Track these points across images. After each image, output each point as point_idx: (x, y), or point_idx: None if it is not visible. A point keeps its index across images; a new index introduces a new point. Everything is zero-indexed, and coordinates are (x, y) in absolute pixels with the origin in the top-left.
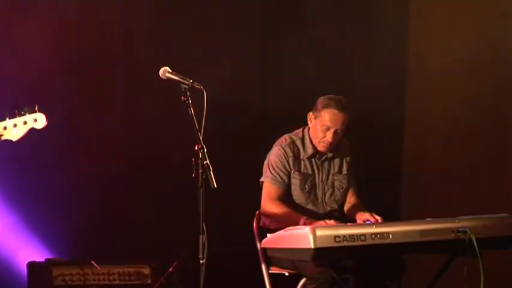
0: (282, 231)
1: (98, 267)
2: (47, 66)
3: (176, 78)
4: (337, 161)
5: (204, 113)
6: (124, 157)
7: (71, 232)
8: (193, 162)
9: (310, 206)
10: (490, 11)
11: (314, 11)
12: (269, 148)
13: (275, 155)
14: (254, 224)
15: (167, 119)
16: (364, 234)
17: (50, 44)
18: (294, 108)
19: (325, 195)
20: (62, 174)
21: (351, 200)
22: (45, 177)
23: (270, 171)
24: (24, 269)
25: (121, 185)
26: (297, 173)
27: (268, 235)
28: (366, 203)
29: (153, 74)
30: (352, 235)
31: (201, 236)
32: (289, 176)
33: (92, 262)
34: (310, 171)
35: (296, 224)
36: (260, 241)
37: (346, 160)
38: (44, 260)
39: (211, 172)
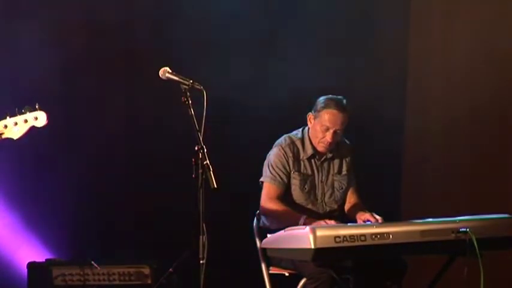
0: (282, 231)
1: (98, 268)
2: (47, 66)
3: (176, 78)
4: (336, 161)
5: (204, 114)
6: (124, 157)
7: (71, 232)
8: (193, 163)
9: (310, 206)
10: (490, 10)
11: (314, 11)
12: (269, 148)
13: (275, 155)
14: (254, 224)
15: (167, 119)
16: (364, 235)
17: (50, 44)
18: (293, 108)
19: (324, 196)
20: (62, 174)
21: (351, 199)
22: (45, 177)
23: (270, 171)
24: (24, 269)
25: (121, 185)
26: (296, 173)
27: (268, 235)
28: (366, 203)
29: (153, 74)
30: (353, 235)
31: (201, 236)
32: (288, 176)
33: (92, 262)
34: (309, 172)
35: (296, 223)
36: (260, 241)
37: (345, 160)
38: (44, 260)
39: (211, 172)
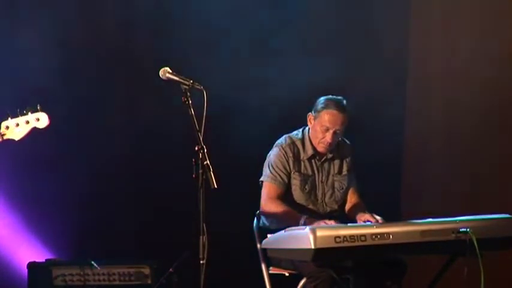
0: (282, 231)
1: (98, 268)
2: (46, 66)
3: (176, 78)
4: (337, 161)
5: (204, 114)
6: (124, 157)
7: (71, 232)
8: (194, 163)
9: (310, 207)
10: (490, 10)
11: (314, 11)
12: (269, 148)
13: (275, 155)
14: (254, 224)
15: (167, 119)
16: (364, 235)
17: (50, 44)
18: (294, 109)
19: (325, 196)
20: (62, 174)
21: (352, 200)
22: (45, 177)
23: (270, 171)
24: (24, 269)
25: (121, 185)
26: (297, 173)
27: (268, 235)
28: (366, 203)
29: (154, 74)
30: (353, 235)
31: (201, 237)
32: (289, 176)
33: (92, 262)
34: (310, 172)
35: (296, 223)
36: (260, 241)
37: (346, 161)
38: (44, 260)
39: (212, 172)
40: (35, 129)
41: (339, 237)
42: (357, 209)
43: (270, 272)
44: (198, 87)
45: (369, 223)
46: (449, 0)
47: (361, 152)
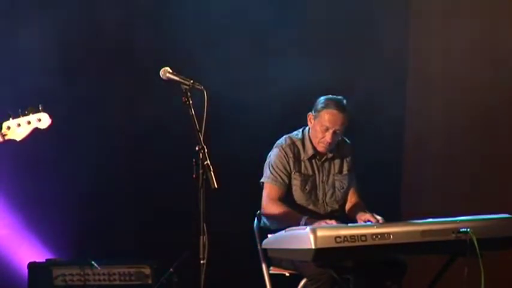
0: (283, 231)
1: (99, 268)
2: (47, 66)
3: (177, 78)
4: (337, 161)
5: (205, 114)
6: (125, 157)
7: (72, 232)
8: (194, 163)
9: (311, 207)
10: (491, 10)
11: (314, 11)
12: (270, 149)
13: (275, 156)
14: (255, 225)
15: (168, 119)
16: (364, 235)
17: (50, 43)
18: (294, 109)
19: (325, 196)
20: (63, 174)
21: (352, 199)
22: (45, 177)
23: (271, 171)
24: (24, 269)
25: (122, 185)
26: (297, 174)
27: (268, 235)
28: (366, 203)
29: (154, 75)
30: (353, 235)
31: (201, 237)
32: (289, 177)
33: (93, 262)
34: (310, 172)
35: (297, 223)
36: (261, 241)
37: (346, 160)
38: (44, 260)
39: (212, 172)
40: (36, 130)
41: (339, 237)
42: (357, 208)
43: (271, 272)
44: (198, 87)
45: (369, 223)
46: (449, 0)
47: (361, 152)
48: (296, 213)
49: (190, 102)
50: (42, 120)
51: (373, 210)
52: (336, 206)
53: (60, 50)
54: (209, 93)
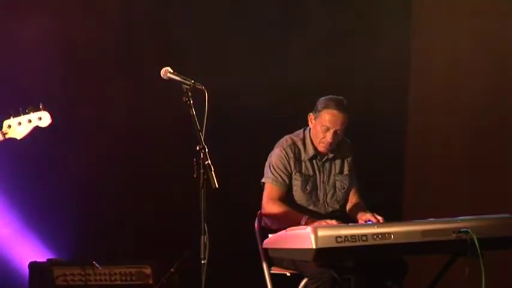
0: (284, 231)
1: (100, 268)
2: (47, 66)
3: (178, 78)
4: (338, 161)
5: (206, 114)
6: (126, 157)
7: (73, 232)
8: (195, 163)
9: (311, 207)
10: (492, 10)
11: (315, 11)
12: (270, 149)
13: (276, 156)
14: (256, 225)
15: (168, 119)
16: (365, 235)
17: (50, 43)
18: (295, 109)
19: (326, 196)
20: (63, 174)
21: (352, 199)
22: (46, 177)
23: (271, 172)
24: (25, 269)
25: (123, 185)
26: (298, 174)
27: (269, 235)
28: (367, 203)
29: (155, 74)
30: (354, 235)
31: (202, 236)
32: (290, 177)
33: (94, 262)
34: (311, 172)
35: (297, 223)
36: (261, 241)
37: (347, 160)
38: (45, 260)
39: (213, 172)
40: (37, 128)
41: (340, 237)
42: (357, 208)
43: (272, 271)
44: (199, 87)
45: (370, 223)
46: (450, 0)
47: (362, 152)
48: (297, 213)
49: (191, 102)
50: (43, 118)
51: (373, 211)
52: (337, 206)
53: (61, 49)
54: (209, 93)
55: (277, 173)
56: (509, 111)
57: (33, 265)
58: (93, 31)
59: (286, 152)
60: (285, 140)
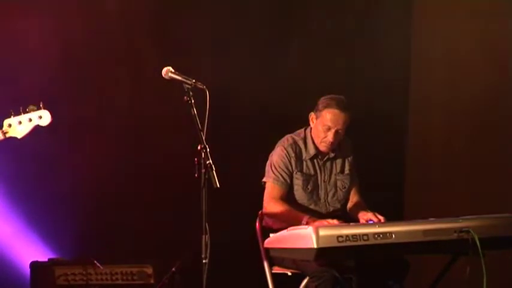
0: (285, 231)
1: (101, 267)
2: (47, 66)
3: (179, 78)
4: (339, 161)
5: (207, 113)
6: (127, 156)
7: (74, 232)
8: (196, 162)
9: (312, 206)
10: (492, 10)
11: (317, 10)
12: (271, 148)
13: (277, 156)
14: (257, 224)
15: (169, 118)
16: (366, 234)
17: (50, 43)
18: (296, 108)
19: (327, 196)
20: (64, 173)
21: (353, 199)
22: (48, 176)
23: (273, 171)
24: (27, 269)
25: (124, 184)
26: (299, 173)
27: (271, 235)
28: (368, 203)
29: (156, 74)
30: (355, 235)
31: (203, 236)
32: (291, 176)
33: (95, 262)
34: (312, 172)
35: (299, 223)
36: (263, 241)
37: (348, 160)
38: (46, 259)
39: (214, 172)
40: (37, 127)
41: (341, 236)
42: (358, 208)
43: (273, 271)
44: (200, 86)
45: (371, 222)
46: (450, 0)
47: (363, 152)
48: (298, 213)
49: (192, 101)
50: (43, 117)
51: (375, 210)
52: (338, 206)
53: (61, 49)
54: (211, 92)
55: (278, 172)
56: (509, 111)
57: (34, 265)
58: (94, 31)
59: (287, 152)
60: (286, 140)
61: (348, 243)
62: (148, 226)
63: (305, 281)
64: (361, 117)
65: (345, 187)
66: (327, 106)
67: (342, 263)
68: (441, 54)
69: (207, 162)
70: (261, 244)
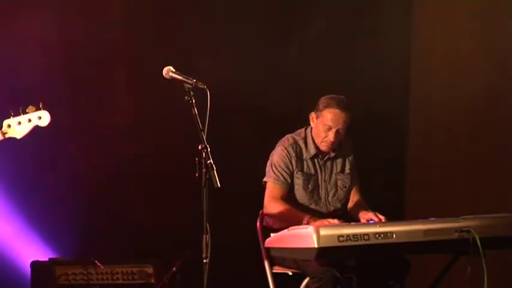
0: (286, 230)
1: (102, 267)
2: (47, 66)
3: (180, 77)
4: (339, 160)
5: (208, 113)
6: (127, 156)
7: (75, 231)
8: (197, 162)
9: (313, 206)
10: (492, 10)
11: (317, 10)
12: (272, 148)
13: (278, 155)
14: (257, 224)
15: (170, 118)
16: (367, 234)
17: (50, 43)
18: (296, 108)
19: (328, 195)
20: (65, 173)
21: (354, 198)
22: (48, 176)
23: (273, 171)
24: (27, 268)
25: (125, 184)
26: (300, 173)
27: (271, 235)
28: (368, 202)
29: (157, 73)
30: (356, 234)
31: (204, 236)
32: (292, 176)
33: (96, 261)
34: (313, 171)
35: (299, 222)
36: (263, 241)
37: (348, 159)
38: (47, 259)
39: (215, 172)
40: (37, 128)
41: (342, 236)
42: (359, 207)
43: (274, 271)
44: (201, 86)
45: (372, 222)
46: (450, 0)
47: (363, 152)
48: (298, 212)
49: (193, 101)
50: (43, 118)
51: (375, 210)
52: (339, 205)
53: (61, 49)
54: (211, 92)
55: (278, 172)
56: (509, 111)
57: (35, 264)
58: (94, 31)
59: (287, 151)
60: (287, 139)
61: (349, 243)
62: (148, 226)
63: (306, 280)
64: (362, 117)
65: (345, 187)
66: (327, 106)
67: (343, 262)
68: (441, 54)
69: (208, 161)
70: (261, 244)
